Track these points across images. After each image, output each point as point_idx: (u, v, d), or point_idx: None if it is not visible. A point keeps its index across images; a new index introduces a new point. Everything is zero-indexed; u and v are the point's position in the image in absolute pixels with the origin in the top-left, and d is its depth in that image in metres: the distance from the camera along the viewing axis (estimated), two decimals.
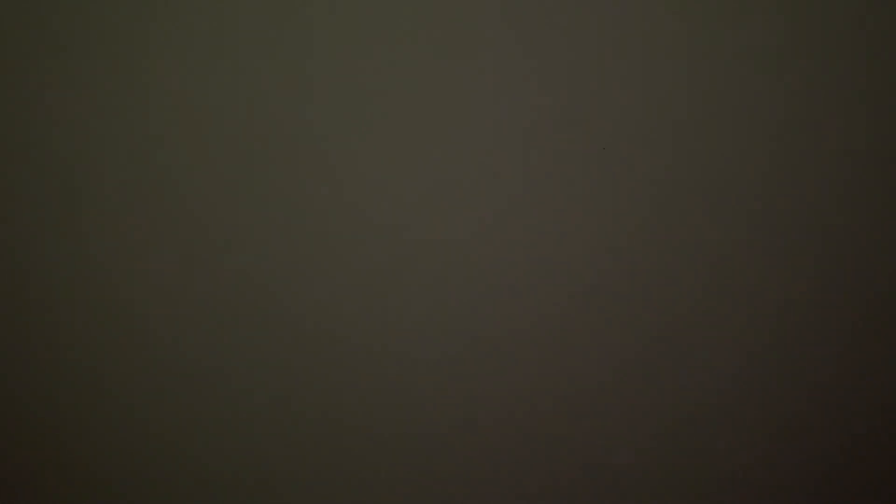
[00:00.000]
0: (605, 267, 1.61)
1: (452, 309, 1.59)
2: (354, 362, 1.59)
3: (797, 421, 1.63)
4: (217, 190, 1.56)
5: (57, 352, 1.56)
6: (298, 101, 1.57)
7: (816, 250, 1.63)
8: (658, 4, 1.60)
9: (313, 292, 1.58)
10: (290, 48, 1.57)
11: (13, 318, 1.56)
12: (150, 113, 1.56)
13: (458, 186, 1.59)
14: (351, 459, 1.59)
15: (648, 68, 1.60)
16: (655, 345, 1.61)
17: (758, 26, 1.62)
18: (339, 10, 1.57)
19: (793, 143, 1.63)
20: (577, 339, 1.61)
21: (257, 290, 1.57)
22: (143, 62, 1.55)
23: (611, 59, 1.60)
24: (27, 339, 1.56)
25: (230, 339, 1.57)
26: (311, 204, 1.57)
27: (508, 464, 1.60)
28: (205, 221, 1.57)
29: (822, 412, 1.63)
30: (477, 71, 1.58)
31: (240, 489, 1.58)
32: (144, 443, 1.57)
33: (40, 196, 1.56)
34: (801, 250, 1.63)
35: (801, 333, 1.63)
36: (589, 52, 1.59)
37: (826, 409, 1.63)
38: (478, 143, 1.59)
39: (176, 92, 1.56)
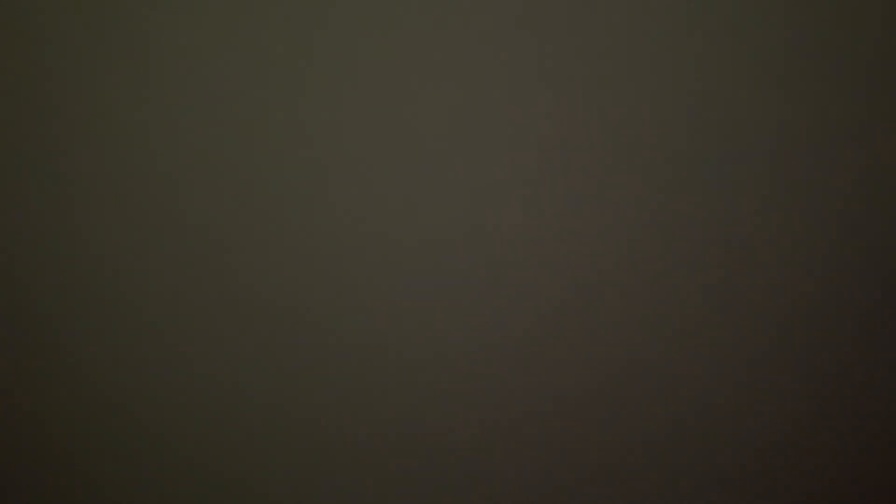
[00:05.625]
0: (606, 267, 1.61)
1: (453, 310, 1.59)
2: (356, 363, 1.59)
3: (798, 422, 1.63)
4: (218, 191, 1.57)
5: (57, 352, 1.56)
6: (300, 101, 1.57)
7: (819, 252, 1.62)
8: (663, 7, 1.60)
9: (314, 293, 1.58)
10: (291, 47, 1.57)
11: (13, 319, 1.56)
12: (150, 113, 1.56)
13: (459, 187, 1.59)
14: (351, 460, 1.59)
15: (652, 68, 1.60)
16: (657, 346, 1.61)
17: (761, 26, 1.62)
18: (340, 9, 1.57)
19: (794, 144, 1.63)
20: (577, 340, 1.61)
21: (259, 290, 1.57)
22: (143, 62, 1.56)
23: (614, 59, 1.60)
24: (26, 340, 1.56)
25: (231, 339, 1.57)
26: (312, 204, 1.57)
27: (508, 464, 1.60)
28: (206, 222, 1.57)
29: (822, 414, 1.63)
30: (478, 72, 1.59)
31: (241, 490, 1.58)
32: (144, 444, 1.57)
33: (40, 197, 1.56)
34: (802, 252, 1.63)
35: (801, 335, 1.63)
36: (594, 52, 1.59)
37: (827, 410, 1.63)
38: (479, 143, 1.59)
39: (176, 92, 1.56)
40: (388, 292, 1.58)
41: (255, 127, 1.57)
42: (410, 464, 1.59)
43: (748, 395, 1.62)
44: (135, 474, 1.57)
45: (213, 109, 1.56)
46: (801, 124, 1.62)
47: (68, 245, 1.56)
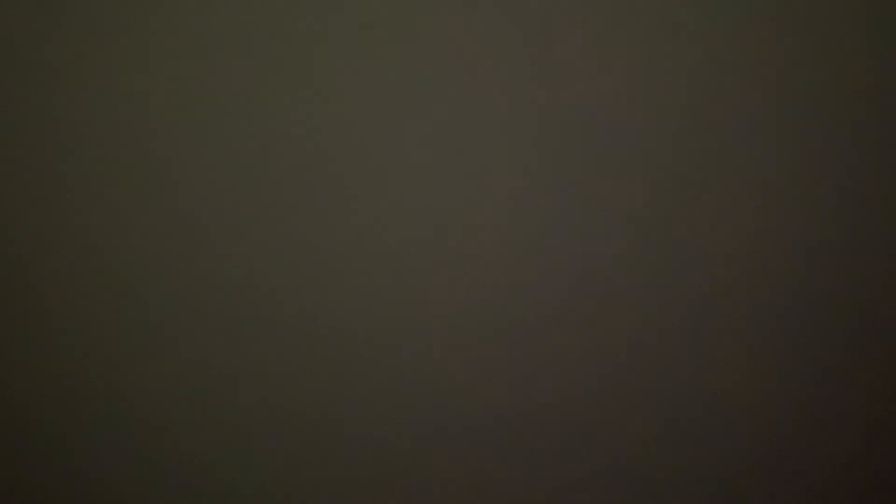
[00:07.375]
0: (604, 267, 1.61)
1: (452, 309, 1.59)
2: (358, 362, 1.59)
3: (798, 423, 1.63)
4: (220, 189, 1.56)
5: (60, 352, 1.56)
6: (301, 100, 1.57)
7: (816, 253, 1.63)
8: (660, 6, 1.60)
9: (315, 292, 1.58)
10: (293, 47, 1.56)
11: (16, 319, 1.55)
12: (154, 112, 1.56)
13: (458, 187, 1.59)
14: (351, 459, 1.59)
15: (650, 69, 1.60)
16: (656, 346, 1.61)
17: (759, 26, 1.62)
18: (342, 9, 1.57)
19: (792, 144, 1.63)
20: (575, 340, 1.61)
21: (261, 289, 1.57)
22: (146, 60, 1.55)
23: (613, 59, 1.60)
24: (29, 340, 1.56)
25: (233, 338, 1.57)
26: (312, 203, 1.57)
27: (505, 463, 1.60)
28: (208, 221, 1.56)
29: (822, 415, 1.64)
30: (478, 71, 1.58)
31: (242, 490, 1.58)
32: (146, 443, 1.57)
33: (45, 196, 1.55)
34: (800, 253, 1.63)
35: (798, 336, 1.63)
36: (592, 52, 1.59)
37: (823, 412, 1.64)
38: (479, 143, 1.59)
39: (178, 90, 1.56)
40: (390, 292, 1.58)
41: (257, 128, 1.57)
42: (410, 463, 1.59)
43: (748, 395, 1.62)
44: (137, 475, 1.57)
45: (215, 109, 1.56)
46: (800, 124, 1.62)
47: (70, 245, 1.55)
